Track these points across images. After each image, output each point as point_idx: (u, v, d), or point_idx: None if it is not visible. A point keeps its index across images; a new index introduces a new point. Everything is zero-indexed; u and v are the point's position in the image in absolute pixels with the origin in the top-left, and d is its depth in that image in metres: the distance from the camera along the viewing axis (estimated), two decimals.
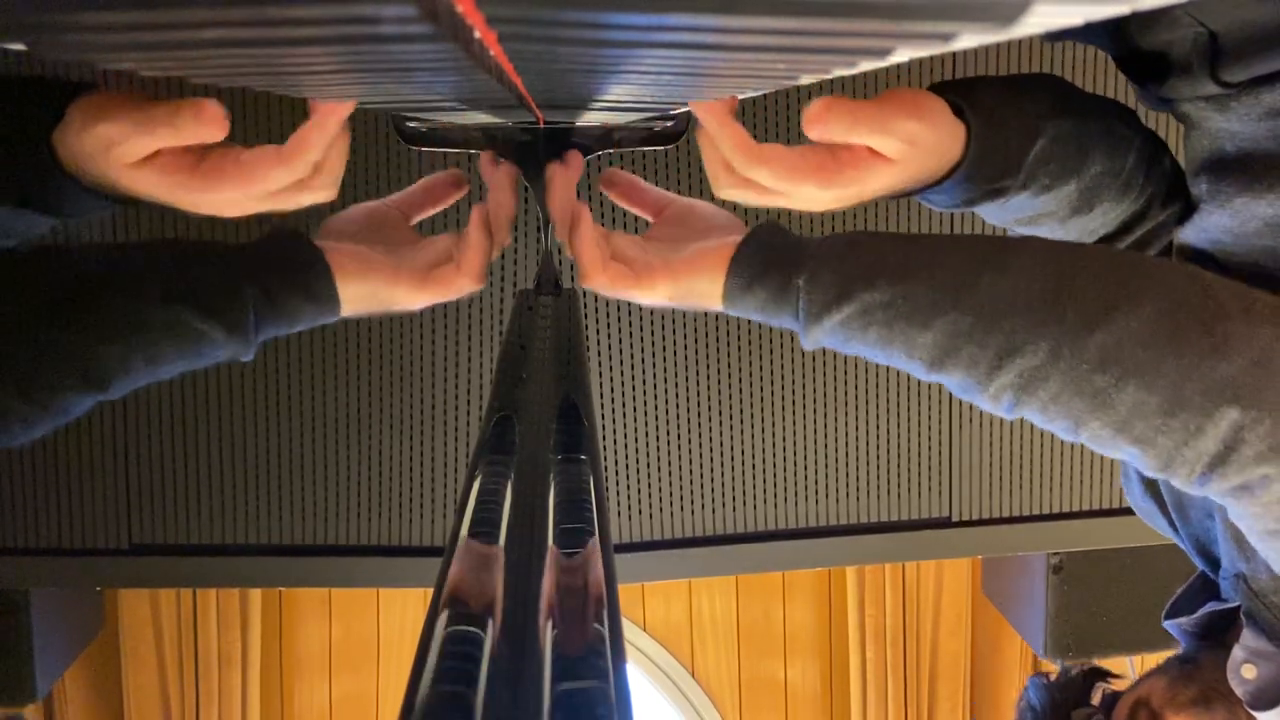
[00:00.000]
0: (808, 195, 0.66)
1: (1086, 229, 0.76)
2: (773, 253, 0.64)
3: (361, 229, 0.70)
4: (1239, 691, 0.72)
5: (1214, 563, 0.79)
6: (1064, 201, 0.73)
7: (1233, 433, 0.56)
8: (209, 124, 0.57)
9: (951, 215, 1.58)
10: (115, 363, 0.60)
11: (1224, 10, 0.65)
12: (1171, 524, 0.81)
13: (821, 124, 0.62)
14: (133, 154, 0.58)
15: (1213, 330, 0.57)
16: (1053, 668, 2.50)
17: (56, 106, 0.60)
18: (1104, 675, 0.91)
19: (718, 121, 0.64)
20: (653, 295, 0.67)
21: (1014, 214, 0.74)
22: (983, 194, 0.70)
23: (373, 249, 0.67)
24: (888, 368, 1.66)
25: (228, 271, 0.62)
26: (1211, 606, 0.77)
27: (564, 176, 0.75)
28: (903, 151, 0.64)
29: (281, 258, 0.64)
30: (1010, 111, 0.69)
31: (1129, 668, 2.50)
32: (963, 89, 0.69)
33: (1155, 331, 0.57)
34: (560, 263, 1.58)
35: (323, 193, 0.64)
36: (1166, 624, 0.83)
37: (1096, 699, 0.87)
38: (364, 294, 0.66)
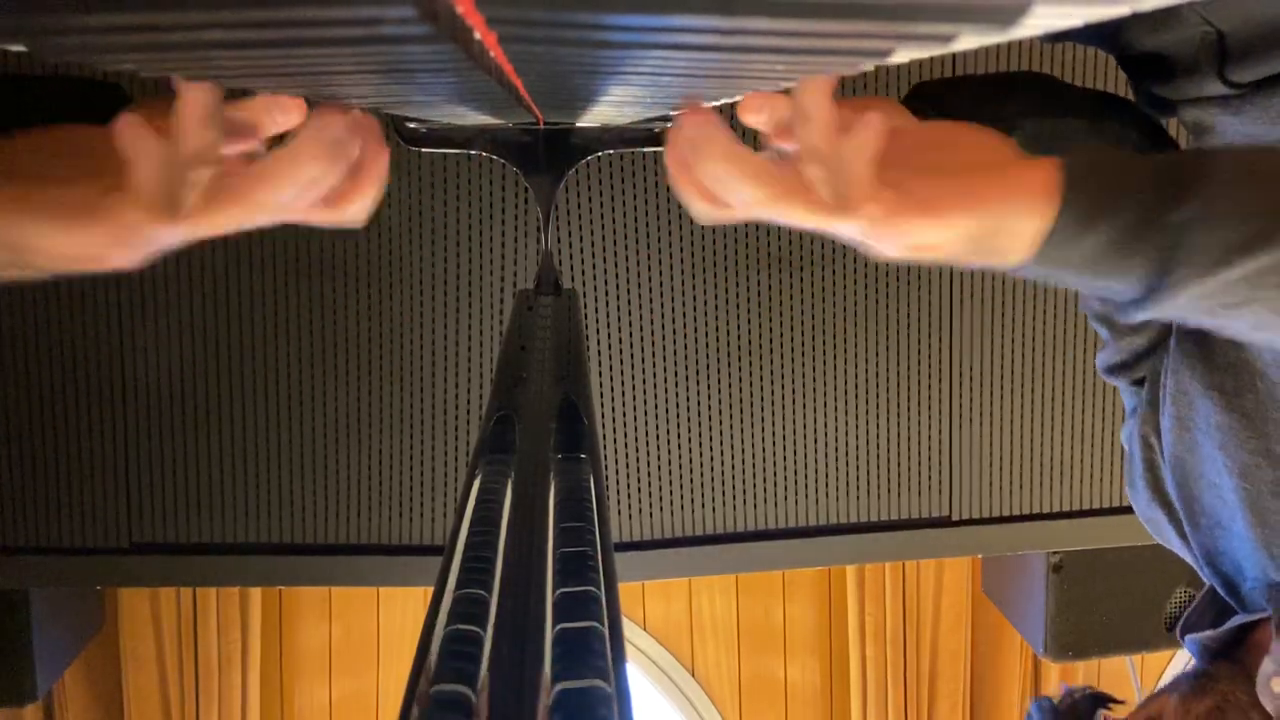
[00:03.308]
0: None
1: None
2: (1130, 173, 0.48)
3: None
4: (1270, 706, 0.68)
5: (1221, 575, 0.77)
6: None
7: None
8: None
9: None
10: None
11: (1232, 9, 0.64)
12: (1181, 534, 0.79)
13: (755, 113, 0.54)
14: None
15: None
16: (1052, 667, 2.50)
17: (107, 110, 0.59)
18: (1107, 701, 0.88)
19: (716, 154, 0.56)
20: (946, 232, 0.47)
21: None
22: None
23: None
24: (888, 366, 1.67)
25: None
26: (1240, 619, 0.74)
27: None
28: None
29: None
30: (986, 111, 0.69)
31: (1128, 668, 2.50)
32: (941, 89, 0.69)
33: None
34: (560, 263, 1.58)
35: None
36: (1185, 640, 0.79)
37: None
38: None
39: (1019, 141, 0.65)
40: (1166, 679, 2.75)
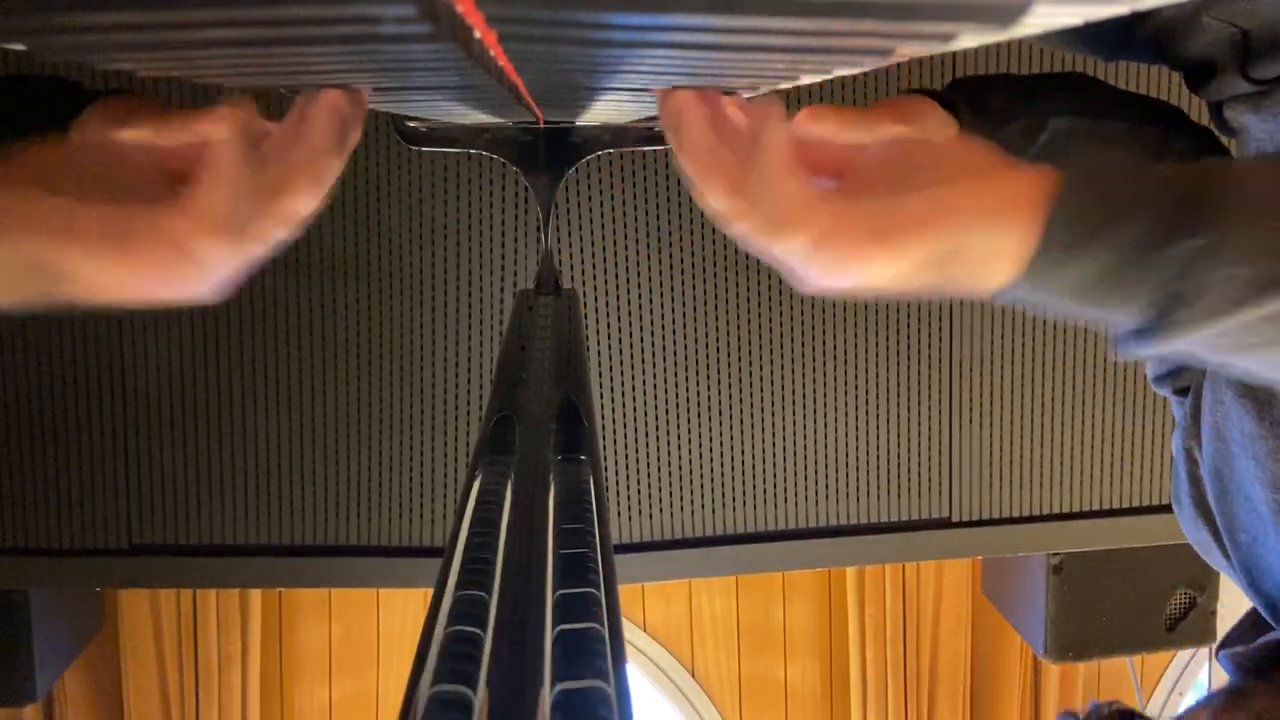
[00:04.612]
0: None
1: None
2: (1135, 186, 0.41)
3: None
4: None
5: (1264, 596, 0.75)
6: None
7: None
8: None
9: None
10: None
11: (1252, 9, 0.64)
12: (1225, 553, 0.77)
13: (809, 124, 0.56)
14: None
15: None
16: (1053, 668, 2.48)
17: (74, 105, 0.61)
18: (1135, 717, 0.87)
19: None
20: (898, 259, 0.40)
21: None
22: None
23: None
24: (888, 367, 1.67)
25: None
26: (1273, 636, 0.73)
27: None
28: None
29: None
30: (1018, 108, 0.69)
31: (1129, 669, 2.50)
32: (977, 84, 0.69)
33: None
34: (560, 263, 1.58)
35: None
36: (1219, 656, 0.77)
37: None
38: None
39: (1048, 142, 0.65)
40: (1167, 681, 2.74)
